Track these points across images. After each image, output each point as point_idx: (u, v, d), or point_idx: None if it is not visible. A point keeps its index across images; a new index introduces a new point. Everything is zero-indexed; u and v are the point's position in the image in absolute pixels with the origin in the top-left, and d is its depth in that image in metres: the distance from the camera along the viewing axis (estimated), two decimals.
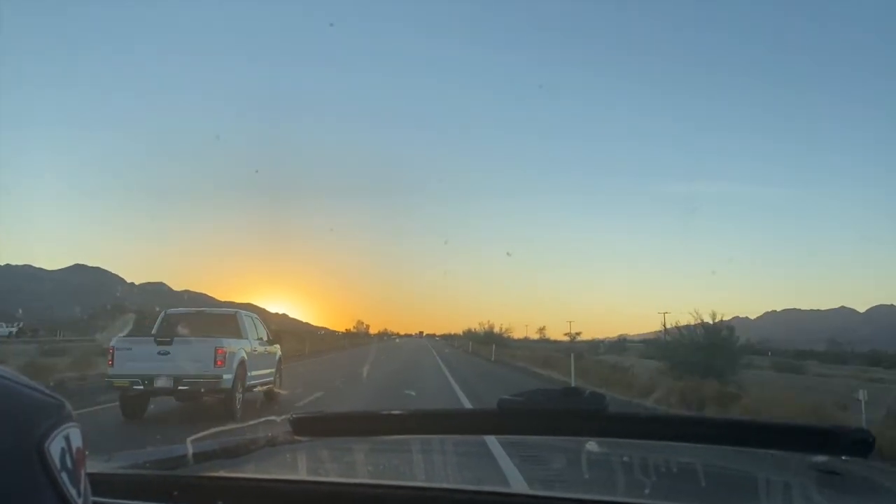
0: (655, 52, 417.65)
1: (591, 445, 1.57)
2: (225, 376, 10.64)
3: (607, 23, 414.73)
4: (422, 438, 1.73)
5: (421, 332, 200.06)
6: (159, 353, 10.49)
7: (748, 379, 21.02)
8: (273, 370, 13.44)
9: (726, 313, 22.76)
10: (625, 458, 1.62)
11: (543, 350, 52.56)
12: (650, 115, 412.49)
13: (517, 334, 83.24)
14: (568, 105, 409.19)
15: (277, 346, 14.23)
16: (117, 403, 10.99)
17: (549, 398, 1.36)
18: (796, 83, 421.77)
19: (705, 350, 20.93)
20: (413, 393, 15.63)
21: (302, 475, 1.50)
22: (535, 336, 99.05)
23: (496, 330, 77.53)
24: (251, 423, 1.56)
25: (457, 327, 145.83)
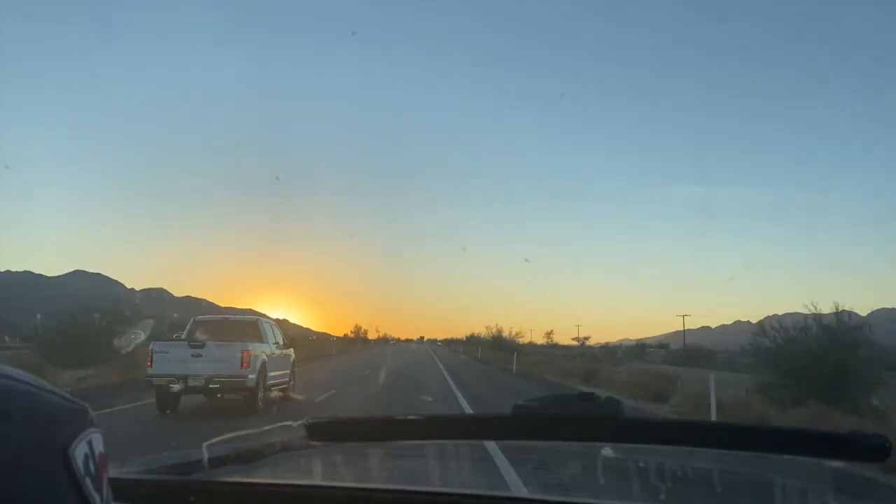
0: (678, 55, 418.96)
1: (607, 451, 1.56)
2: (250, 376, 11.97)
3: (625, 27, 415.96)
4: (437, 444, 1.72)
5: (422, 338, 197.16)
6: (192, 355, 11.88)
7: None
8: (288, 371, 14.82)
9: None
10: (640, 464, 1.61)
11: (558, 357, 47.73)
12: (650, 115, 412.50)
13: (523, 339, 70.64)
14: (571, 107, 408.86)
15: (291, 349, 15.70)
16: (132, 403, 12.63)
17: (565, 403, 1.35)
18: (793, 85, 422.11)
19: (826, 359, 13.86)
20: (430, 398, 15.44)
21: (317, 480, 1.50)
22: (542, 341, 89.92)
23: (505, 334, 68.31)
24: (266, 428, 1.55)
25: (458, 332, 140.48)
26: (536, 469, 1.79)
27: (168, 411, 11.99)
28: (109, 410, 12.11)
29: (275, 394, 14.09)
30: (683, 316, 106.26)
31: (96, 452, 0.64)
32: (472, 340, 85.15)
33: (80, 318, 23.54)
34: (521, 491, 1.48)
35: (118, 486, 1.10)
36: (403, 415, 1.48)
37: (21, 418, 0.59)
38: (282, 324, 21.72)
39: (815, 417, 10.92)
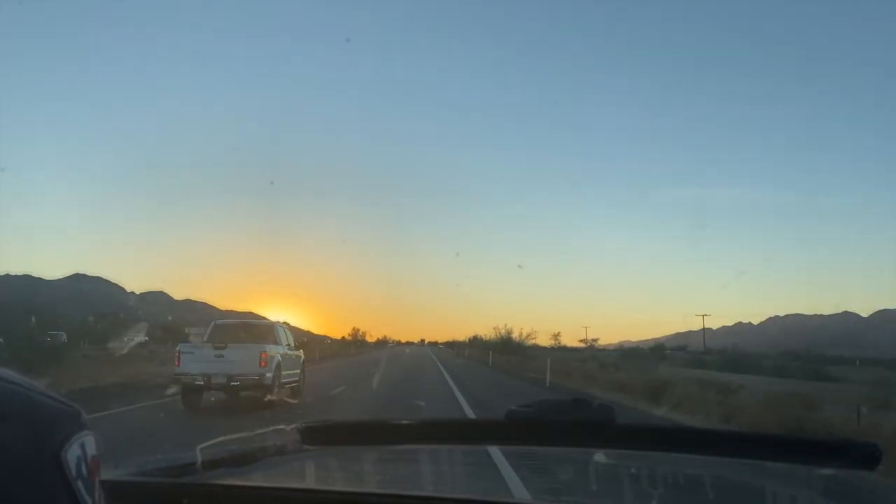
0: (675, 57, 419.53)
1: (599, 456, 1.57)
2: (267, 375, 13.19)
3: (626, 28, 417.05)
4: (430, 448, 1.73)
5: (423, 340, 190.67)
6: (215, 355, 13.08)
7: None
8: (299, 371, 15.92)
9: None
10: (632, 470, 1.62)
11: (578, 361, 41.03)
12: (649, 116, 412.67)
13: (533, 341, 63.69)
14: (575, 110, 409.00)
15: (301, 351, 17.02)
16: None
17: (558, 409, 1.36)
18: (789, 84, 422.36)
19: None
20: (422, 403, 15.47)
21: (310, 484, 1.50)
22: (548, 343, 78.22)
23: (515, 336, 59.89)
24: (260, 431, 1.56)
25: (460, 334, 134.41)
26: (531, 474, 1.80)
27: (191, 406, 13.07)
28: None
29: (300, 390, 15.55)
30: (703, 315, 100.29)
31: (89, 455, 0.65)
32: (476, 343, 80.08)
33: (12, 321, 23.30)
34: (523, 495, 1.49)
35: (111, 489, 1.10)
36: (397, 419, 1.48)
37: (13, 420, 0.59)
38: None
39: None
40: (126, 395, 15.10)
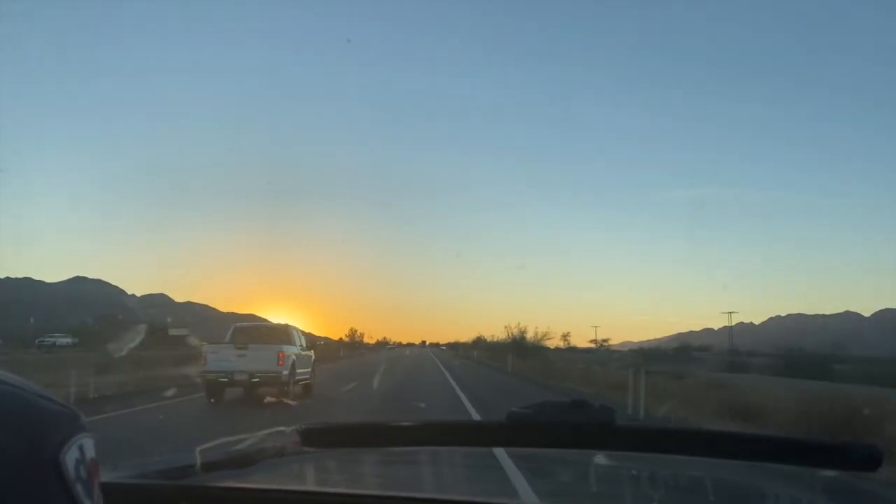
0: (682, 58, 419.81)
1: (600, 458, 1.56)
2: (284, 372, 14.67)
3: (626, 31, 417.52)
4: (430, 450, 1.72)
5: (424, 342, 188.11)
6: (238, 355, 14.56)
7: None
8: (310, 369, 17.37)
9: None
10: (633, 472, 1.61)
11: (588, 362, 36.49)
12: (648, 117, 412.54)
13: (550, 342, 53.72)
14: (578, 112, 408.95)
15: (312, 351, 18.60)
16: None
17: (559, 410, 1.35)
18: (788, 83, 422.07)
19: None
20: (423, 405, 15.46)
21: (310, 486, 1.50)
22: (559, 344, 68.80)
23: (529, 336, 49.90)
24: (259, 433, 1.56)
25: (462, 335, 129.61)
26: (531, 475, 1.79)
27: (215, 400, 14.58)
28: None
29: (311, 386, 16.96)
30: (730, 313, 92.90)
31: (87, 457, 0.65)
32: (480, 344, 73.46)
33: None
34: (526, 497, 1.48)
35: (110, 491, 1.10)
36: (397, 421, 1.48)
37: (11, 423, 0.59)
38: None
39: None
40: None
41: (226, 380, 14.49)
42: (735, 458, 1.46)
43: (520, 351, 45.09)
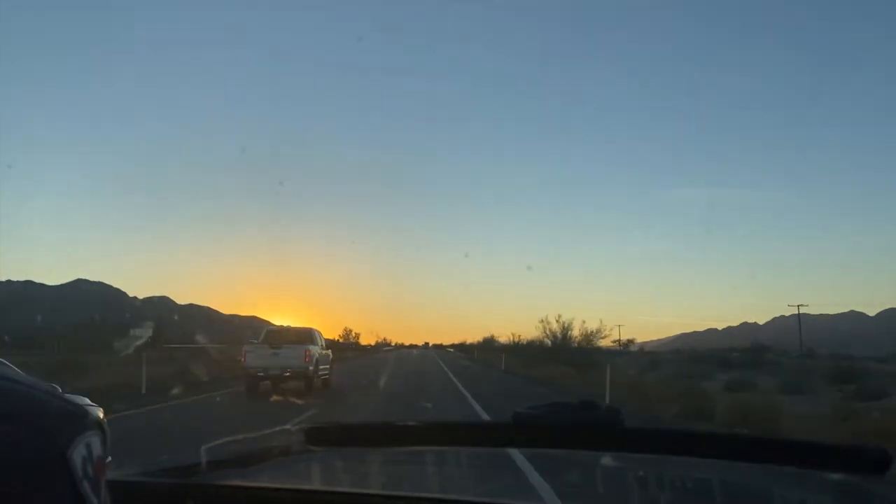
0: (691, 60, 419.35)
1: (607, 460, 1.56)
2: (310, 368, 17.89)
3: (626, 32, 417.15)
4: (436, 450, 1.72)
5: (427, 343, 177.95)
6: (272, 353, 17.83)
7: None
8: (328, 366, 20.51)
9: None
10: (640, 473, 1.60)
11: (624, 367, 31.16)
12: (648, 117, 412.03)
13: (604, 341, 42.09)
14: (579, 113, 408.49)
15: (330, 350, 21.85)
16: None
17: (566, 411, 1.35)
18: (791, 85, 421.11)
19: None
20: (429, 405, 15.58)
21: (315, 485, 1.50)
22: (609, 344, 54.47)
23: (575, 334, 37.84)
24: (265, 432, 1.55)
25: (468, 335, 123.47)
26: (537, 477, 1.79)
27: (253, 393, 17.00)
28: None
29: (329, 381, 20.14)
30: (798, 305, 78.75)
31: (94, 455, 0.65)
32: (489, 345, 67.67)
33: None
34: (536, 498, 1.47)
35: (116, 489, 1.10)
36: (403, 421, 1.48)
37: (19, 421, 0.59)
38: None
39: None
40: None
41: (262, 374, 17.59)
42: (743, 460, 1.45)
43: (558, 354, 34.99)
